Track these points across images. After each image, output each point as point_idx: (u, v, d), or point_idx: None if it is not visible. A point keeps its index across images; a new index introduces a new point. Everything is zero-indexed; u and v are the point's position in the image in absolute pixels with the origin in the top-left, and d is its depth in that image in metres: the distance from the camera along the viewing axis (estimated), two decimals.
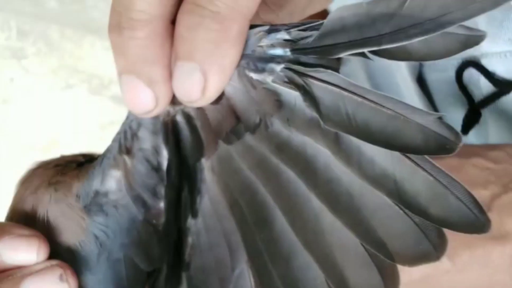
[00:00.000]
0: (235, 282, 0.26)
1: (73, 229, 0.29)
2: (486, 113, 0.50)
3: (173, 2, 0.25)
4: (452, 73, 0.51)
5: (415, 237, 0.23)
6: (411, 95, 0.53)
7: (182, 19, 0.25)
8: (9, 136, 1.32)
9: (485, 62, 0.48)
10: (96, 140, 1.28)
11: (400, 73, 0.53)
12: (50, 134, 1.31)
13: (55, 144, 1.29)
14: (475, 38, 0.22)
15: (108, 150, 0.29)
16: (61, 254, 0.28)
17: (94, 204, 0.28)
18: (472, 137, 0.52)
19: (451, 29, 0.22)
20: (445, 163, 0.39)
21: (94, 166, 0.29)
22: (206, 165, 0.27)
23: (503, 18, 0.45)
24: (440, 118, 0.22)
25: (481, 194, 0.36)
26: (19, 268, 0.27)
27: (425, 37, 0.22)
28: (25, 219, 0.30)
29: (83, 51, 1.34)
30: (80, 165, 0.31)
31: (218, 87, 0.25)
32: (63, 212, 0.29)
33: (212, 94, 0.25)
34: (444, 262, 0.33)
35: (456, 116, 0.53)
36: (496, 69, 0.47)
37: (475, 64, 0.48)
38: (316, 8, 0.35)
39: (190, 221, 0.27)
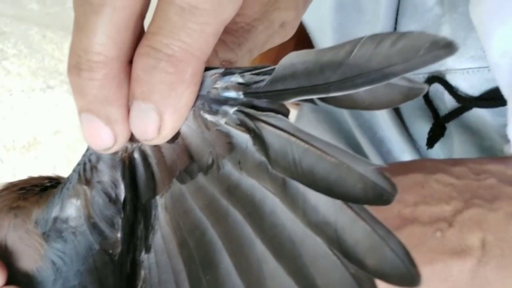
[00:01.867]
0: None
1: (31, 255, 0.29)
2: (451, 126, 0.52)
3: (130, 44, 0.26)
4: None
5: (350, 287, 0.23)
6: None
7: (138, 61, 0.25)
8: None
9: (449, 78, 0.49)
10: (75, 140, 1.28)
11: None
12: (30, 134, 1.31)
13: (35, 145, 1.29)
14: (416, 90, 0.22)
15: (68, 179, 0.29)
16: (18, 279, 0.29)
17: (53, 230, 0.29)
18: (438, 150, 0.53)
19: (395, 80, 0.22)
20: (411, 180, 0.40)
21: (54, 194, 0.29)
22: (160, 202, 0.27)
23: (466, 37, 0.46)
24: (379, 167, 0.22)
25: (443, 210, 0.37)
26: None
27: (370, 87, 0.22)
28: None
29: (64, 52, 1.34)
30: (44, 189, 0.31)
31: (173, 127, 0.26)
32: (21, 238, 0.29)
33: (167, 133, 0.26)
34: None
35: (422, 129, 0.54)
36: (459, 84, 0.48)
37: (440, 79, 0.49)
38: (275, 42, 0.36)
39: (143, 255, 0.27)
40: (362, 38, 0.23)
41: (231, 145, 0.26)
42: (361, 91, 0.23)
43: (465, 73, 0.47)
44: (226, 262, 0.26)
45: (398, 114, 0.55)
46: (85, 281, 0.28)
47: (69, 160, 1.25)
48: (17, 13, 1.35)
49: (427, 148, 0.53)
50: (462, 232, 0.36)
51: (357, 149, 0.60)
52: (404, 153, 0.56)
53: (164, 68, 0.25)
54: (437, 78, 0.50)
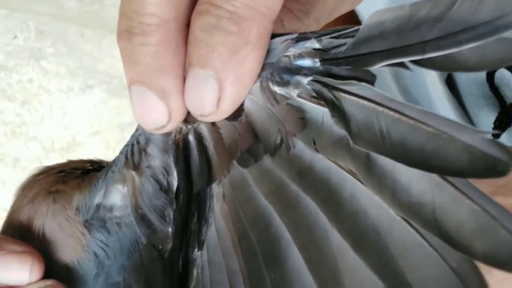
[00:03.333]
0: None
1: (71, 245, 0.26)
2: None
3: (188, 3, 0.23)
4: (483, 74, 0.48)
5: (450, 286, 0.20)
6: (440, 98, 0.50)
7: (196, 20, 0.22)
8: (28, 137, 1.31)
9: None
10: (115, 141, 1.27)
11: (429, 75, 0.51)
12: (69, 135, 1.30)
13: (74, 146, 1.29)
14: None
15: (114, 162, 0.26)
16: (57, 271, 0.26)
17: (96, 219, 0.26)
18: (505, 141, 0.50)
19: (508, 33, 0.19)
20: (490, 183, 0.37)
21: (98, 178, 0.27)
22: (217, 191, 0.24)
23: None
24: (491, 136, 0.19)
25: None
26: (11, 287, 0.25)
27: (477, 44, 0.19)
28: (20, 231, 0.27)
29: (102, 51, 1.33)
30: (85, 173, 0.28)
31: (235, 98, 0.23)
32: (61, 226, 0.27)
33: (227, 107, 0.23)
34: None
35: (487, 119, 0.50)
36: None
37: None
38: (343, 10, 0.32)
39: (196, 253, 0.24)
40: None
41: (303, 121, 0.22)
42: (466, 49, 0.19)
43: None
44: (295, 257, 0.22)
45: (460, 104, 0.52)
46: (130, 278, 0.26)
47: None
48: (54, 12, 1.35)
49: (494, 139, 0.49)
50: None
51: None
52: None
53: (226, 27, 0.22)
54: None
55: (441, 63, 0.20)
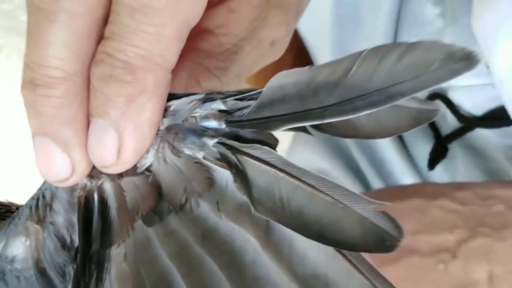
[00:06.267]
0: None
1: None
2: (454, 147, 0.49)
3: (92, 55, 0.23)
4: None
5: None
6: None
7: (93, 70, 0.22)
8: None
9: (451, 95, 0.47)
10: None
11: None
12: (23, 153, 1.29)
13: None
14: (429, 113, 0.20)
15: (17, 214, 0.26)
16: None
17: None
18: (440, 172, 0.51)
19: (402, 101, 0.19)
20: (411, 205, 0.38)
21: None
22: (116, 252, 0.24)
23: None
24: (381, 206, 0.19)
25: (447, 239, 0.35)
26: None
27: (373, 110, 0.19)
28: None
29: None
30: None
31: (135, 148, 0.23)
32: None
33: (128, 157, 0.23)
34: None
35: (424, 149, 0.51)
36: (462, 102, 0.46)
37: (442, 96, 0.47)
38: (264, 63, 0.32)
39: None
40: (363, 51, 0.19)
41: (211, 180, 0.22)
42: (362, 116, 0.20)
43: (467, 90, 0.45)
44: None
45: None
46: None
47: None
48: (10, 25, 1.34)
49: (429, 170, 0.50)
50: (468, 264, 0.34)
51: (357, 171, 0.58)
52: (404, 175, 0.53)
53: (120, 76, 0.22)
54: (439, 95, 0.47)
55: (341, 129, 0.20)
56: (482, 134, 0.46)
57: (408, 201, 0.37)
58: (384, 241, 0.19)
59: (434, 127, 0.50)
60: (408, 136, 0.53)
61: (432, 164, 0.50)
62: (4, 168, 1.24)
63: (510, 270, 0.34)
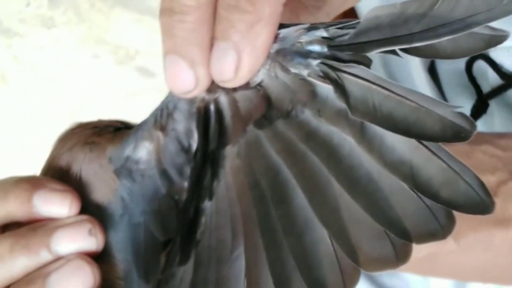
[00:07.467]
0: (231, 263, 0.27)
1: (103, 189, 0.30)
2: (493, 104, 0.52)
3: None
4: (462, 65, 0.52)
5: (425, 218, 0.25)
6: (423, 84, 0.54)
7: (221, 1, 0.26)
8: (38, 102, 1.34)
9: (493, 55, 0.49)
10: (121, 109, 1.30)
11: (413, 63, 0.55)
12: (77, 102, 1.33)
13: (82, 112, 1.32)
14: (498, 38, 0.24)
15: (144, 122, 0.30)
16: (90, 210, 0.30)
17: (124, 169, 0.30)
18: (479, 127, 0.53)
19: (477, 29, 0.24)
20: (456, 149, 0.40)
21: (129, 134, 0.30)
22: (231, 151, 0.28)
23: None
24: (458, 109, 0.24)
25: (488, 180, 0.37)
26: (52, 220, 0.29)
27: (453, 36, 0.24)
28: (59, 175, 0.31)
29: (111, 22, 1.36)
30: (117, 130, 0.32)
31: (251, 67, 0.27)
32: (95, 171, 0.30)
33: (244, 74, 0.27)
34: (449, 242, 0.36)
35: (464, 106, 0.54)
36: (503, 62, 0.49)
37: (484, 56, 0.50)
38: (349, 4, 0.37)
39: (207, 203, 0.28)
40: None
41: (313, 93, 0.27)
42: (444, 41, 0.24)
43: (511, 51, 0.48)
44: (299, 198, 0.27)
45: (440, 91, 0.56)
46: (149, 221, 0.29)
47: None
48: None
49: None
50: (506, 202, 0.37)
51: None
52: None
53: (243, 6, 0.26)
54: (481, 55, 0.50)
55: (424, 51, 0.25)
56: None
57: (454, 145, 0.40)
58: (459, 133, 0.24)
59: (476, 85, 0.52)
60: (450, 93, 0.56)
61: (473, 118, 0.52)
62: (4, 168, 1.28)
63: None
